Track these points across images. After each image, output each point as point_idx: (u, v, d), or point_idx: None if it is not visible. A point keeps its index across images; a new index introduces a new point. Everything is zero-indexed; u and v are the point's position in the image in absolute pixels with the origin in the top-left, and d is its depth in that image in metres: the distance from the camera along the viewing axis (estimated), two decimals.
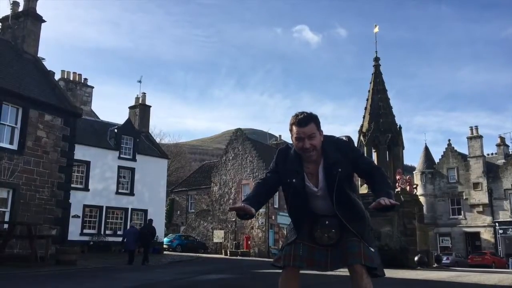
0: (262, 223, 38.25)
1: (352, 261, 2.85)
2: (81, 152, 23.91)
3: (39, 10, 19.59)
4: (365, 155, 3.15)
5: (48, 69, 19.72)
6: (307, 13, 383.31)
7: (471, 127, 46.21)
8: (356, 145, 3.34)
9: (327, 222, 2.99)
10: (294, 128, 2.97)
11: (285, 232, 39.10)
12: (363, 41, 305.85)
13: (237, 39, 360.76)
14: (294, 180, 3.01)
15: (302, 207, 3.06)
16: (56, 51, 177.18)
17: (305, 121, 2.94)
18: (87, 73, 75.34)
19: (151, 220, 20.33)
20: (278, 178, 3.11)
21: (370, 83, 26.68)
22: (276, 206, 39.35)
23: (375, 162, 24.67)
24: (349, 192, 3.00)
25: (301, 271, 3.09)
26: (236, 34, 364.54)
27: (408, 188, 24.18)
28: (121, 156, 28.75)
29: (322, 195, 3.02)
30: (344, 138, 3.19)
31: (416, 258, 21.66)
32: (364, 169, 3.04)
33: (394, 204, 2.72)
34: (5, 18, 19.89)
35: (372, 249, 2.95)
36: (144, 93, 34.60)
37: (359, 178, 24.32)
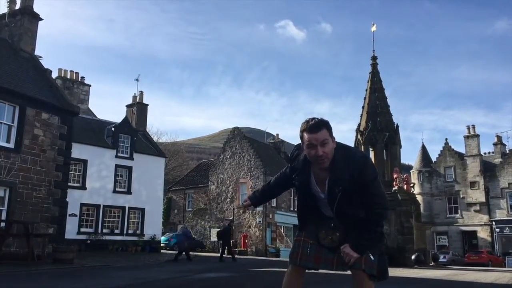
0: (260, 221, 38.27)
1: (354, 265, 2.89)
2: (78, 151, 23.83)
3: (35, 7, 19.52)
4: (378, 180, 2.97)
5: (45, 67, 19.66)
6: (292, 8, 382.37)
7: (468, 126, 46.37)
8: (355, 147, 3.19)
9: (332, 225, 3.00)
10: (305, 135, 2.85)
11: (282, 231, 39.21)
12: (358, 39, 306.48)
13: (233, 37, 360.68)
14: (301, 177, 3.03)
15: (311, 207, 3.09)
16: (51, 48, 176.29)
17: (317, 127, 2.81)
18: (83, 71, 75.38)
19: (231, 222, 23.09)
20: (289, 178, 3.17)
21: (368, 81, 26.70)
22: (274, 205, 39.36)
23: (373, 160, 24.88)
24: (351, 207, 2.92)
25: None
26: (231, 32, 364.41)
27: (405, 186, 24.24)
28: (118, 154, 28.70)
29: (326, 202, 3.02)
30: (361, 154, 3.02)
31: (413, 257, 21.71)
32: (361, 200, 2.91)
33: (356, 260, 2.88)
34: (2, 16, 19.78)
35: (372, 257, 2.93)
36: (142, 92, 34.53)
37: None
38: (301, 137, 2.91)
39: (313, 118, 2.89)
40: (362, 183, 2.86)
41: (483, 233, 43.34)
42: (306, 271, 3.13)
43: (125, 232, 28.39)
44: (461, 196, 44.76)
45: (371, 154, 25.44)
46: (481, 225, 43.37)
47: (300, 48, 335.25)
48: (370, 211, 2.91)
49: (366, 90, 26.50)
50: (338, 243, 2.96)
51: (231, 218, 26.43)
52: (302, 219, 3.17)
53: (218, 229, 22.83)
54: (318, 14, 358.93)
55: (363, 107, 26.24)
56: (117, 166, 28.57)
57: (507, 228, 41.78)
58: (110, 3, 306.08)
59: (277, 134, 51.87)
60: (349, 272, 2.99)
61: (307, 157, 2.94)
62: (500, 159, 45.38)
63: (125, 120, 30.86)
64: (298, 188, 3.08)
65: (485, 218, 43.20)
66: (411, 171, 47.87)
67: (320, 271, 3.10)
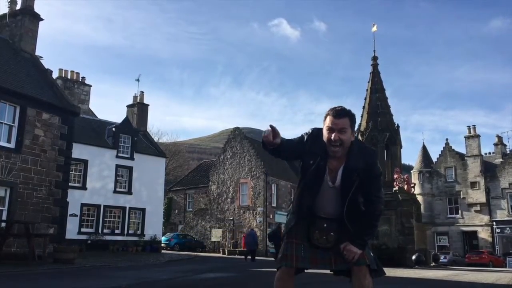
0: (260, 222, 38.28)
1: (357, 262, 2.91)
2: (79, 151, 23.86)
3: (35, 7, 19.50)
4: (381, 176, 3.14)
5: (46, 67, 19.67)
6: (285, 6, 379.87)
7: (469, 126, 46.39)
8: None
9: (325, 225, 3.01)
10: (328, 118, 2.97)
11: (282, 231, 39.10)
12: (359, 39, 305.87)
13: (233, 37, 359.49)
14: (318, 159, 2.97)
15: (313, 194, 3.01)
16: (50, 48, 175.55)
17: (340, 114, 2.95)
18: (83, 71, 75.32)
19: (280, 225, 23.98)
20: (300, 152, 3.03)
21: (368, 82, 26.70)
22: (274, 205, 39.38)
23: None
24: (360, 201, 3.01)
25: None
26: (231, 32, 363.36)
27: (406, 187, 24.22)
28: (119, 154, 28.73)
29: (333, 193, 3.01)
30: (371, 148, 3.21)
31: (413, 257, 21.69)
32: (364, 194, 3.01)
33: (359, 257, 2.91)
34: (3, 16, 19.79)
35: (372, 253, 3.04)
36: (142, 92, 34.61)
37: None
38: (324, 120, 3.01)
39: (340, 106, 3.02)
40: (371, 176, 2.98)
41: (483, 234, 43.32)
42: (305, 271, 3.13)
43: (125, 232, 28.43)
44: (461, 196, 44.75)
45: None
46: (481, 225, 43.36)
47: (296, 47, 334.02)
48: (373, 205, 3.00)
49: (367, 90, 26.49)
50: (333, 243, 2.98)
51: (279, 222, 28.43)
52: (296, 215, 3.07)
53: (269, 232, 24.73)
54: (311, 13, 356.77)
55: (363, 107, 26.25)
56: (117, 166, 28.60)
57: (508, 228, 41.77)
58: (108, 3, 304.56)
59: None
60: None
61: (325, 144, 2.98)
62: (501, 160, 45.37)
63: (126, 120, 30.89)
64: (310, 172, 2.99)
65: (485, 218, 43.18)
66: (411, 171, 47.87)
67: (317, 272, 3.10)
